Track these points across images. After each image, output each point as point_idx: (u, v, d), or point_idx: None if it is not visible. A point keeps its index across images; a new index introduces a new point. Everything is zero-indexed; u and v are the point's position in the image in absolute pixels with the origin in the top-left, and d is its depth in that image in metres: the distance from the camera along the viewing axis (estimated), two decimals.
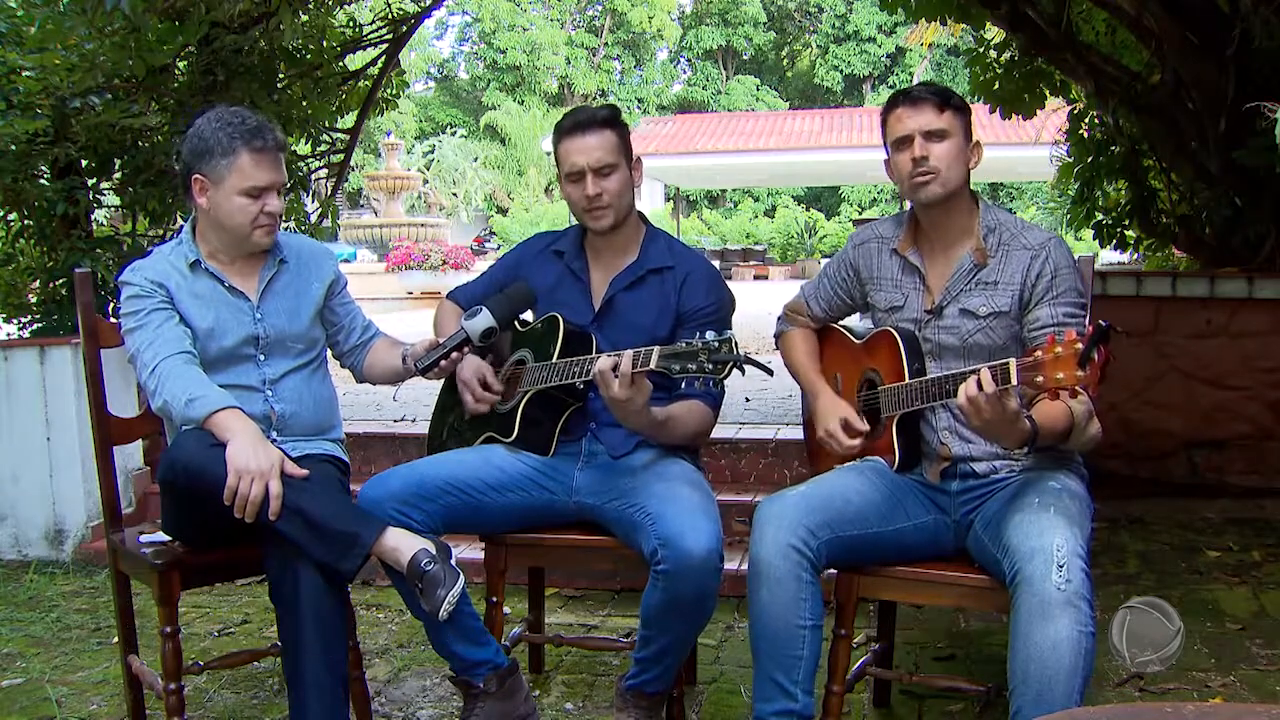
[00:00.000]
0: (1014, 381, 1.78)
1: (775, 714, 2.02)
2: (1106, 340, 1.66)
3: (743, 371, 1.94)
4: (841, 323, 2.46)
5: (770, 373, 2.07)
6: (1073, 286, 2.09)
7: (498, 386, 2.36)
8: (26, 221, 4.05)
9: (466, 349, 2.25)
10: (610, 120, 2.33)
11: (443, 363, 2.25)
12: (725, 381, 2.03)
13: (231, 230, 2.25)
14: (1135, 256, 5.96)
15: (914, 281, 2.22)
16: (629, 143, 2.36)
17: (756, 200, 32.56)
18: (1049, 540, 1.83)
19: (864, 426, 2.19)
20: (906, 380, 2.10)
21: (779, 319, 2.51)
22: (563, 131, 2.33)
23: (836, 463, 2.30)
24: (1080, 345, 1.67)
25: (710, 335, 1.91)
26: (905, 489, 2.16)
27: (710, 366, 1.89)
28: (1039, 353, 1.73)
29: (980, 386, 1.80)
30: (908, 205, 2.29)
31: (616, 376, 2.01)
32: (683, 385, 2.07)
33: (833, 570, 2.13)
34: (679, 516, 2.06)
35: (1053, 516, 1.89)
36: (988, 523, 2.05)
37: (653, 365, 1.97)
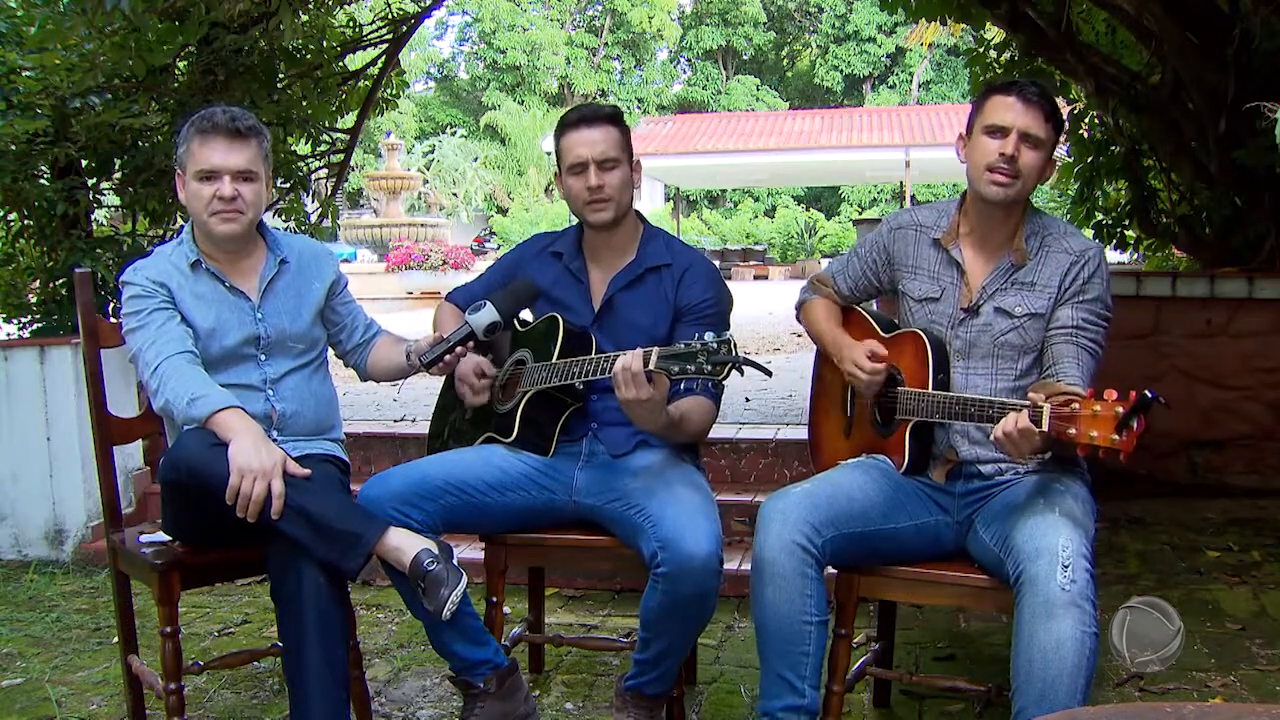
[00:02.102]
0: (1045, 428, 1.77)
1: (783, 710, 2.02)
2: (1148, 410, 1.66)
3: (741, 373, 1.94)
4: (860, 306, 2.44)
5: (769, 374, 2.07)
6: (1100, 297, 2.10)
7: (491, 372, 2.36)
8: (26, 221, 4.05)
9: (470, 344, 2.25)
10: (614, 118, 2.34)
11: (446, 357, 2.25)
12: (724, 381, 2.03)
13: (196, 219, 2.26)
14: (1135, 256, 5.96)
15: (953, 276, 2.20)
16: (630, 143, 2.37)
17: (756, 200, 32.56)
18: (1054, 540, 1.83)
19: (885, 352, 2.16)
20: (930, 389, 2.08)
21: (803, 288, 2.49)
22: (567, 125, 2.34)
23: (843, 450, 2.30)
24: (1121, 409, 1.66)
25: (709, 336, 1.90)
26: (908, 489, 2.16)
27: (709, 368, 1.89)
28: (1076, 405, 1.73)
29: (1017, 425, 1.81)
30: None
31: (633, 378, 1.99)
32: (681, 386, 2.06)
33: (833, 570, 2.13)
34: (679, 519, 2.05)
35: (1058, 517, 1.90)
36: (989, 522, 2.05)
37: (651, 366, 1.96)
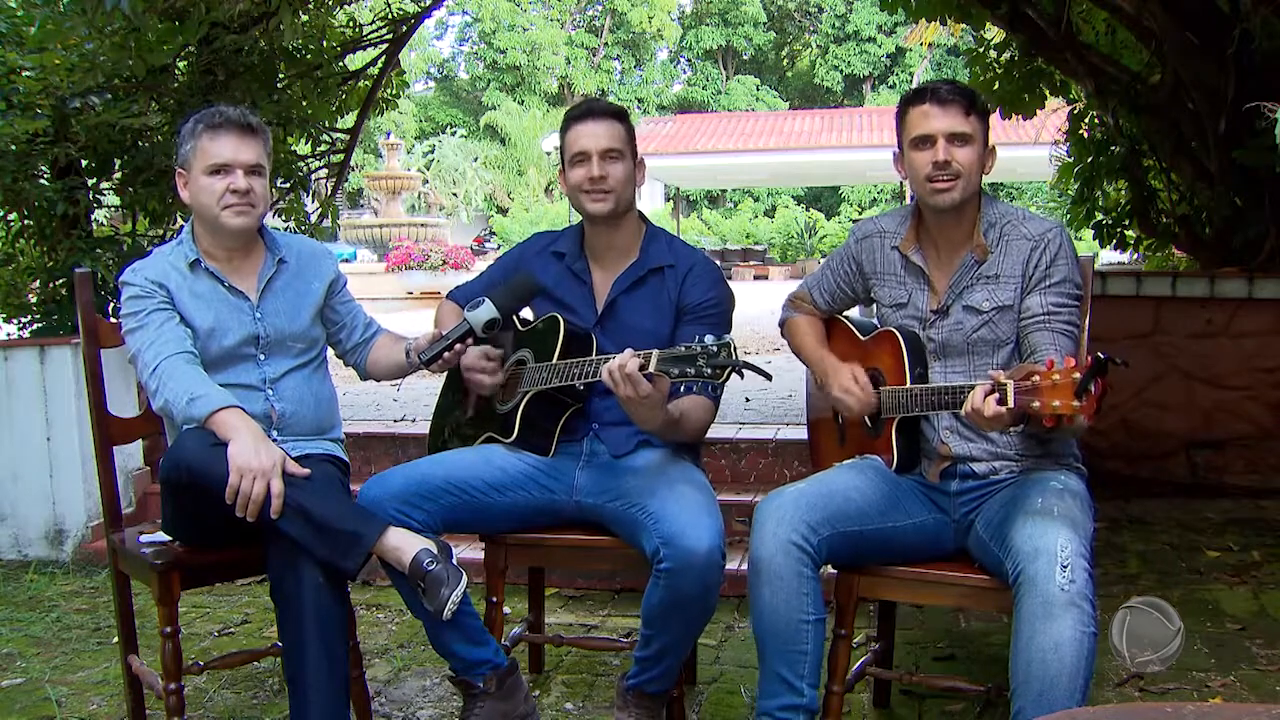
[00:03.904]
0: (1010, 404, 1.78)
1: (781, 709, 2.02)
2: (1104, 373, 1.67)
3: (741, 376, 1.94)
4: (843, 314, 2.45)
5: (769, 378, 2.07)
6: (1068, 277, 2.09)
7: (496, 354, 2.36)
8: (26, 221, 4.05)
9: (469, 341, 2.25)
10: (619, 115, 2.36)
11: (446, 355, 2.25)
12: (724, 383, 2.03)
13: (203, 214, 2.26)
14: (1135, 256, 5.96)
15: (918, 281, 2.21)
16: (634, 141, 2.38)
17: (756, 200, 32.55)
18: (1053, 540, 1.83)
19: (870, 388, 2.16)
20: (908, 384, 2.09)
21: (784, 306, 2.50)
22: (572, 118, 2.35)
23: (839, 459, 2.30)
24: (1078, 375, 1.67)
25: (709, 339, 1.90)
26: (905, 488, 2.16)
27: (709, 371, 1.89)
28: (1036, 378, 1.73)
29: (982, 400, 1.82)
30: (907, 200, 2.28)
31: (625, 378, 1.99)
32: (681, 389, 2.04)
33: (832, 570, 2.13)
34: (680, 515, 2.06)
35: (1056, 517, 1.90)
36: (988, 522, 2.05)
37: (651, 368, 1.96)
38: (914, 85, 2.32)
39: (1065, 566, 1.80)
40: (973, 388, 1.88)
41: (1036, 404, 1.73)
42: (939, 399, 1.99)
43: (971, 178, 2.09)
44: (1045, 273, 2.08)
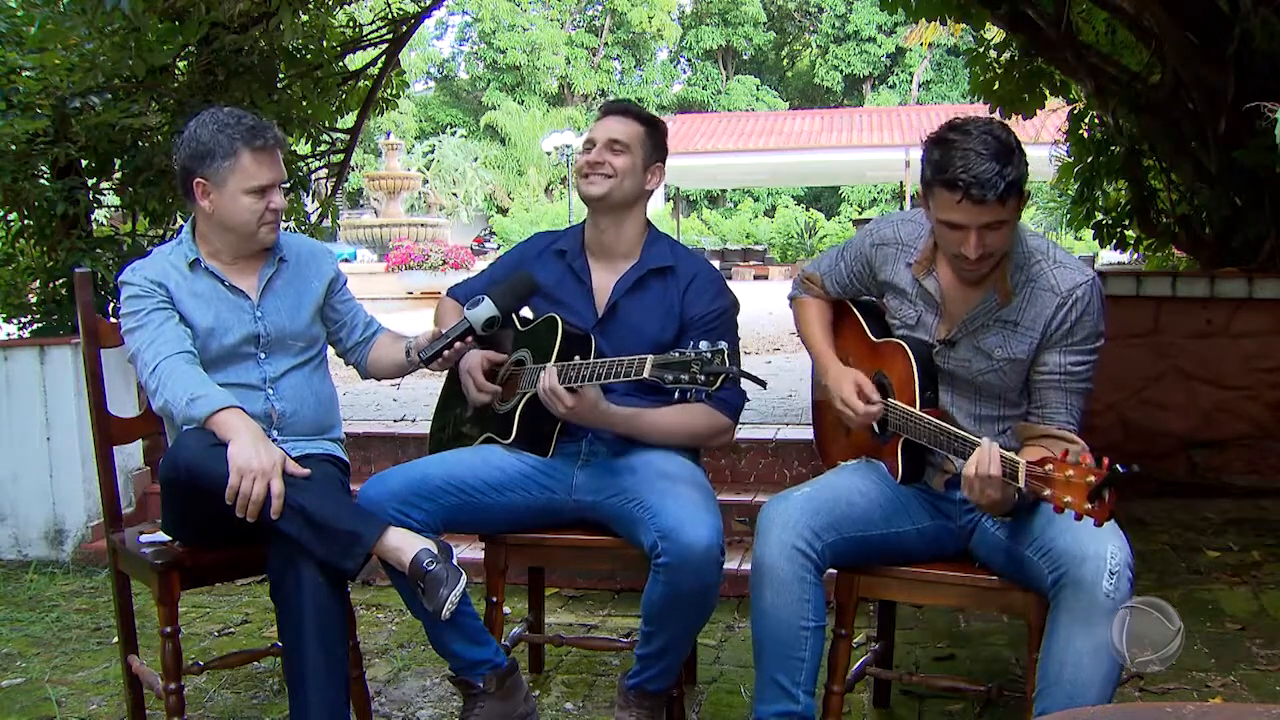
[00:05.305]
0: (1021, 485, 1.76)
1: (776, 715, 2.02)
2: (1119, 484, 1.65)
3: (736, 383, 1.94)
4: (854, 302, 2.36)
5: (764, 385, 2.07)
6: (1092, 333, 2.00)
7: (499, 359, 2.37)
8: (26, 221, 4.05)
9: (469, 339, 2.25)
10: (645, 119, 2.40)
11: (446, 353, 2.25)
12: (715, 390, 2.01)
13: (237, 229, 2.26)
14: (1135, 256, 5.96)
15: (929, 306, 2.11)
16: (656, 147, 2.40)
17: (756, 200, 32.58)
18: (1102, 547, 1.82)
19: (876, 397, 2.11)
20: (917, 406, 2.04)
21: (794, 282, 2.43)
22: (600, 113, 2.41)
23: (844, 446, 2.29)
24: (1094, 480, 1.66)
25: (704, 346, 1.90)
26: (908, 493, 2.15)
27: (703, 378, 1.89)
28: (1050, 466, 1.71)
29: (988, 468, 1.79)
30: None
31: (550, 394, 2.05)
32: (675, 395, 2.04)
33: (832, 569, 2.12)
34: (679, 510, 2.06)
35: (1102, 524, 1.88)
36: (1002, 522, 2.02)
37: (646, 374, 1.96)
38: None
39: (1114, 574, 1.79)
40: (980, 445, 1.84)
41: (1048, 493, 1.71)
42: (950, 444, 1.94)
43: (1001, 251, 1.95)
44: (1069, 330, 1.99)
